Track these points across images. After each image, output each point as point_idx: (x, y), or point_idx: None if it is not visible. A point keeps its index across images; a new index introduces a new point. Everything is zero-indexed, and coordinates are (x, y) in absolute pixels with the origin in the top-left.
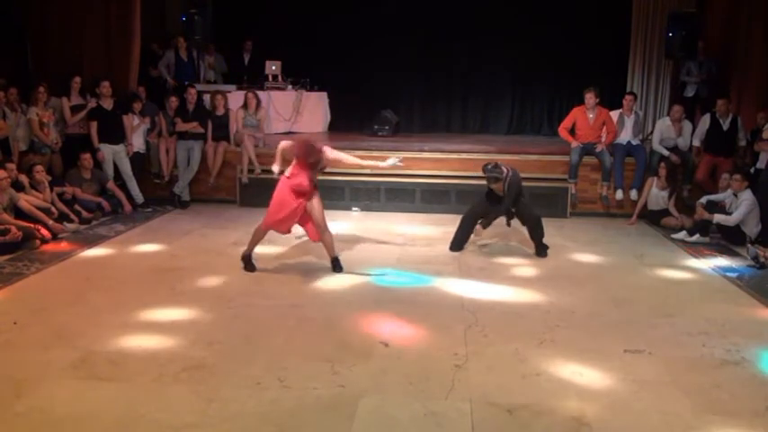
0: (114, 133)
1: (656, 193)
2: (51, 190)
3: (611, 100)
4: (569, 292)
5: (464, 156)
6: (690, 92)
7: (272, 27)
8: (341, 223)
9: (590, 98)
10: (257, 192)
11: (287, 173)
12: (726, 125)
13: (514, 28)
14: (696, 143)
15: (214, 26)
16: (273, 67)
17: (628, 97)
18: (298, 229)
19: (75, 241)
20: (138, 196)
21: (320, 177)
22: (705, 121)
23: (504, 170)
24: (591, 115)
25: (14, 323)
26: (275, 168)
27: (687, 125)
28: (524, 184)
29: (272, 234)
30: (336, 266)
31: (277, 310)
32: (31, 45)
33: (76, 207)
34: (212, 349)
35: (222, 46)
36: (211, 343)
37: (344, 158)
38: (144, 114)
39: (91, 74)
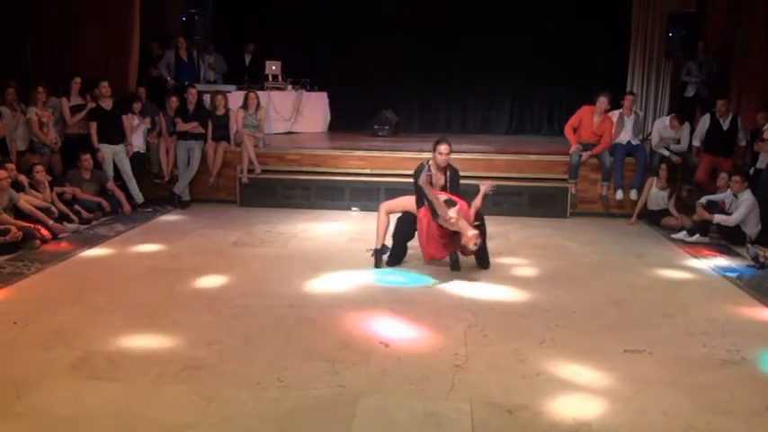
0: (114, 133)
1: (656, 193)
2: (51, 190)
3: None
4: (569, 292)
5: (464, 156)
6: (690, 92)
7: (273, 27)
8: (341, 223)
9: (603, 102)
10: (257, 192)
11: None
12: (726, 125)
13: (515, 28)
14: (696, 143)
15: (214, 26)
16: (273, 67)
17: (628, 97)
18: None
19: (75, 241)
20: (138, 196)
21: (320, 177)
22: (705, 121)
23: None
24: (596, 119)
25: (14, 323)
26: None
27: (686, 125)
28: (524, 184)
29: (271, 234)
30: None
31: (277, 310)
32: (31, 45)
33: (76, 207)
34: (212, 349)
35: (222, 46)
36: (211, 343)
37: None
38: (144, 114)
39: (90, 74)
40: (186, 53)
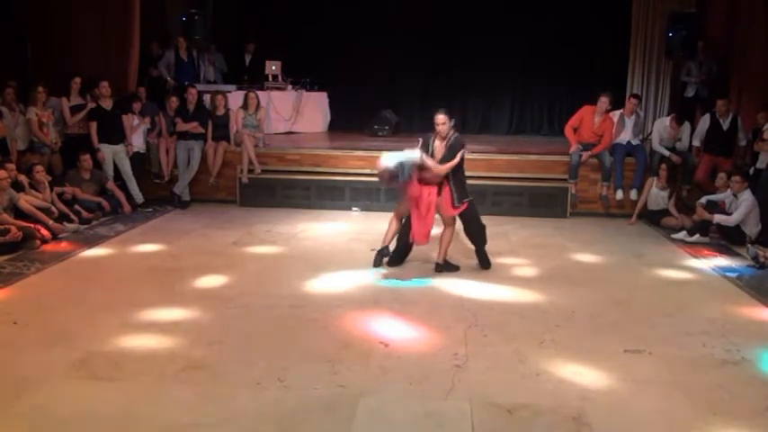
0: (114, 133)
1: (656, 193)
2: (51, 190)
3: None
4: (569, 292)
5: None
6: (690, 92)
7: (273, 27)
8: (341, 223)
9: (604, 102)
10: (257, 192)
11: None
12: (726, 125)
13: (515, 28)
14: (696, 143)
15: (214, 26)
16: (273, 67)
17: (633, 100)
18: None
19: (75, 241)
20: (138, 196)
21: (320, 177)
22: (705, 121)
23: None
24: (597, 119)
25: (14, 323)
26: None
27: (686, 126)
28: (524, 184)
29: (271, 234)
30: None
31: (277, 310)
32: (31, 45)
33: (76, 207)
34: (212, 349)
35: (222, 46)
36: (211, 343)
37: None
38: (144, 114)
39: (90, 74)
40: (186, 53)
